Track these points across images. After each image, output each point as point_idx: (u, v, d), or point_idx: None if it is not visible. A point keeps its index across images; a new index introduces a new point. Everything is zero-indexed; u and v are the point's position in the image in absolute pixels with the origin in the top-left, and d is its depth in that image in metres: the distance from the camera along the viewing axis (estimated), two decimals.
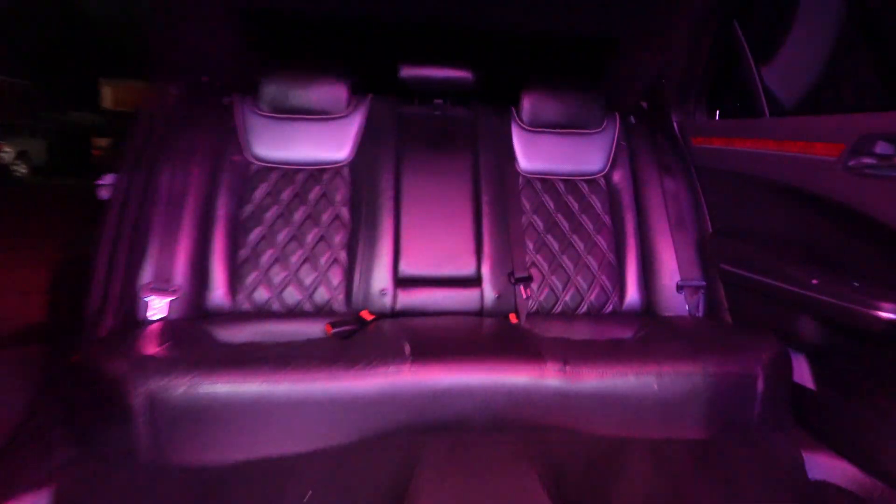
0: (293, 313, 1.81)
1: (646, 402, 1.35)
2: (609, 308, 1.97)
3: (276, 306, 1.82)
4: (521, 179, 2.06)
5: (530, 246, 1.99)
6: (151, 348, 1.35)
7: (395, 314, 1.81)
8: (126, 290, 1.62)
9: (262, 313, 1.79)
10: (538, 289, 1.95)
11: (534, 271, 1.96)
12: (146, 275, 1.66)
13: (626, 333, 1.78)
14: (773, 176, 1.66)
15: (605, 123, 2.14)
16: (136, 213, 1.68)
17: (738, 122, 1.86)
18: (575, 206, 2.06)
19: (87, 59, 8.57)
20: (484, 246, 1.91)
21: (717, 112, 2.01)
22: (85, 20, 7.84)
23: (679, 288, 1.93)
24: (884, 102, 1.54)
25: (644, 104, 2.24)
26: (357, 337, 1.57)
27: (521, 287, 1.88)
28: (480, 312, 1.86)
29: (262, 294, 1.81)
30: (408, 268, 1.88)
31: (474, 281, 1.89)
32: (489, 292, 1.87)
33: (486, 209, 1.96)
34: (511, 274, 1.90)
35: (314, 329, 1.69)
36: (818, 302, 1.44)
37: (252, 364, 1.26)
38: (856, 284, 1.37)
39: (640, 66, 2.19)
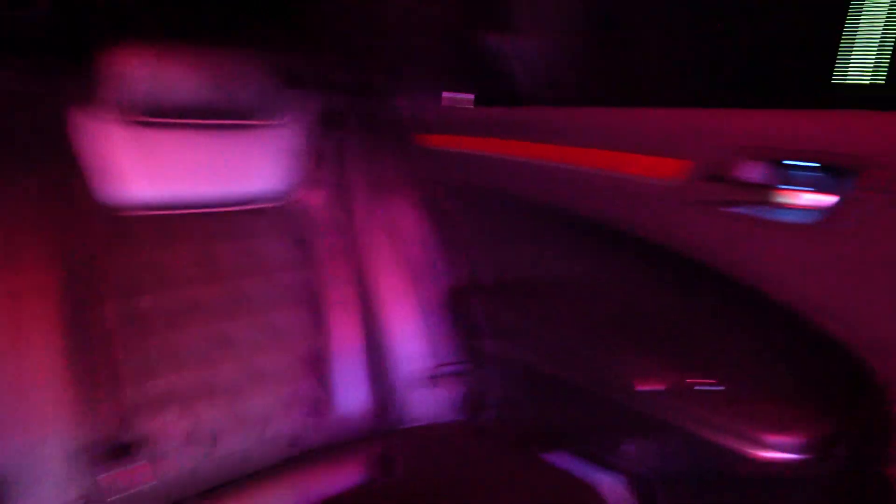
0: None
1: None
2: (316, 436, 1.09)
3: None
4: (108, 222, 0.99)
5: (137, 358, 0.95)
6: None
7: None
8: None
9: None
10: (165, 445, 0.94)
11: (153, 412, 0.94)
12: None
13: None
14: (563, 202, 0.98)
15: (288, 111, 1.20)
16: None
17: (503, 114, 1.14)
18: (233, 260, 1.09)
19: None
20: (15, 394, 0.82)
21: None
22: None
23: (431, 379, 1.21)
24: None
25: (354, 80, 1.38)
26: None
27: (115, 468, 0.86)
28: None
29: None
30: None
31: None
32: None
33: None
34: (92, 446, 0.86)
35: None
36: (641, 417, 0.90)
37: None
38: (705, 389, 0.86)
39: (346, 18, 1.32)
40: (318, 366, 1.11)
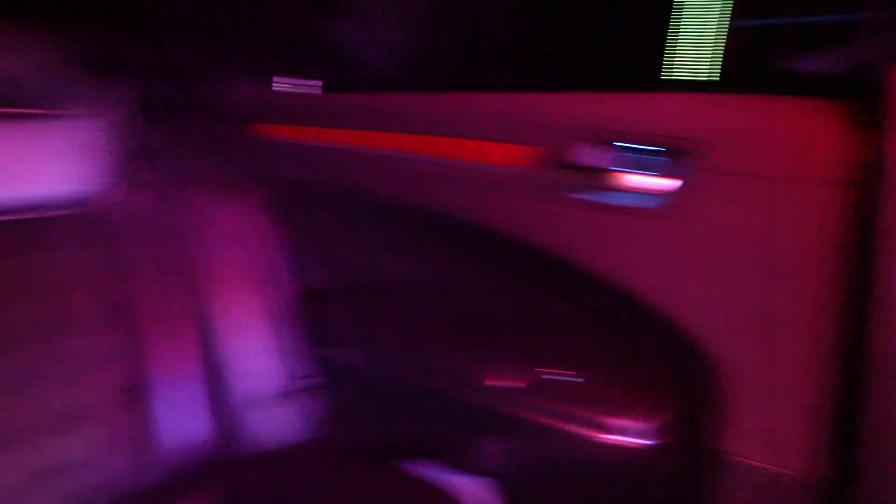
0: None
1: None
2: (141, 478, 0.93)
3: None
4: None
5: None
6: None
7: None
8: None
9: None
10: None
11: None
12: None
13: None
14: (411, 195, 0.91)
15: (90, 100, 1.01)
16: None
17: (350, 101, 1.05)
18: (17, 280, 0.88)
19: None
20: None
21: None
22: None
23: (281, 396, 1.09)
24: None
25: (181, 64, 1.21)
26: None
27: None
28: None
29: None
30: None
31: None
32: None
33: None
34: None
35: None
36: (499, 416, 0.88)
37: None
38: (558, 381, 0.85)
39: None
40: (136, 396, 0.94)
